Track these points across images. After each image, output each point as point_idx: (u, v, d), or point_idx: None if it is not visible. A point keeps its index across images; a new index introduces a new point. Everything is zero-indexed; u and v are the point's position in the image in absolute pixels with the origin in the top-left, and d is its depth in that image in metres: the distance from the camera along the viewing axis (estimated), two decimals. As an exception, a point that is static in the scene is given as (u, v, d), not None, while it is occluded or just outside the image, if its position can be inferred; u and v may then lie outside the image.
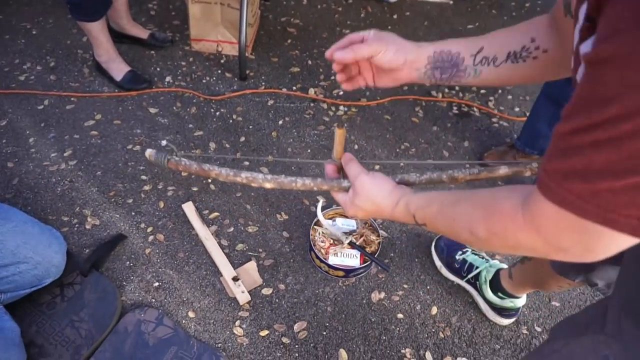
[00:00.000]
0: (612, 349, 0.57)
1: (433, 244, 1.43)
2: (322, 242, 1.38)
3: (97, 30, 1.69)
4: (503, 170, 0.70)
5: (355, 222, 1.44)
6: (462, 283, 1.36)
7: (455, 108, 1.94)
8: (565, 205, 0.40)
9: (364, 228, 1.43)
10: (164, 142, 0.81)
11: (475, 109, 1.95)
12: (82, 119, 1.71)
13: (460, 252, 1.37)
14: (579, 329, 0.64)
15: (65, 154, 1.59)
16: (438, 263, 1.40)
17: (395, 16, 2.44)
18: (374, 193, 0.68)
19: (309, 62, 2.07)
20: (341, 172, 0.78)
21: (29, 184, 1.49)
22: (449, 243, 1.40)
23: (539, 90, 1.59)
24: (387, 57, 0.67)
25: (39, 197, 1.46)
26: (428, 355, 1.23)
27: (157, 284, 1.30)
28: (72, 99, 1.78)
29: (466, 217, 0.54)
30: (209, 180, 1.55)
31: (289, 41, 2.17)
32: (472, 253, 1.36)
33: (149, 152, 0.78)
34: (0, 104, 1.72)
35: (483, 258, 1.35)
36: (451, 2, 2.61)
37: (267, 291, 1.31)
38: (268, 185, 0.74)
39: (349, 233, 1.40)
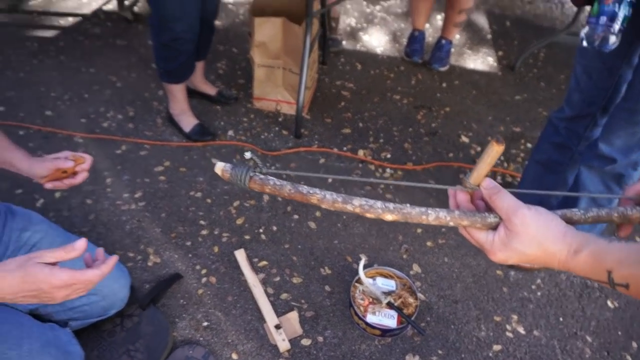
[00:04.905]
0: None
1: None
2: (361, 299, 1.45)
3: (177, 90, 1.92)
4: None
5: (394, 283, 1.50)
6: None
7: (499, 178, 2.00)
8: None
9: (402, 290, 1.48)
10: (247, 154, 0.63)
11: (519, 180, 2.00)
12: (153, 164, 1.90)
13: None
14: None
15: (136, 195, 1.77)
16: None
17: (444, 84, 2.57)
18: (542, 234, 0.55)
19: (360, 124, 2.21)
20: (479, 204, 0.65)
21: (103, 220, 1.67)
22: None
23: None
24: None
25: (110, 233, 1.63)
26: None
27: (206, 323, 1.40)
28: (146, 146, 1.99)
29: None
30: (261, 230, 1.68)
31: (343, 104, 2.34)
32: None
33: (220, 167, 0.61)
34: (86, 147, 1.95)
35: None
36: (499, 73, 2.72)
37: (306, 342, 1.38)
38: (389, 217, 0.59)
39: (388, 293, 1.46)
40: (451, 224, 0.60)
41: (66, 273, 0.69)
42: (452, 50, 2.74)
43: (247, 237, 1.65)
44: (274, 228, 1.69)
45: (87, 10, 2.95)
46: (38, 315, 1.18)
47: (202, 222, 1.69)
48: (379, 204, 0.59)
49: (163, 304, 1.44)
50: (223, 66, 2.53)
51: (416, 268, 1.62)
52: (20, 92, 2.22)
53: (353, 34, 2.92)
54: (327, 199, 0.60)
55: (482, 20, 3.24)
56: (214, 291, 1.49)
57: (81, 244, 0.72)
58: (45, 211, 1.67)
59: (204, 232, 1.66)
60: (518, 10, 3.43)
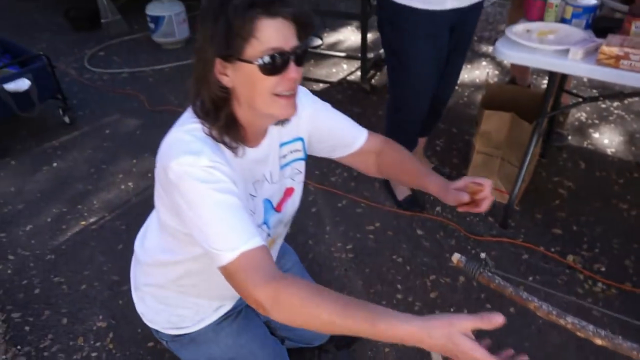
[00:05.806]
0: None
1: None
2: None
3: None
4: None
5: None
6: None
7: None
8: None
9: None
10: (483, 255, 0.77)
11: None
12: (365, 223, 2.18)
13: None
14: None
15: (347, 247, 2.06)
16: None
17: (689, 202, 2.25)
18: None
19: (574, 227, 2.11)
20: None
21: (318, 261, 2.00)
22: None
23: None
24: None
25: (322, 274, 1.93)
26: None
27: (386, 381, 1.55)
28: (362, 204, 2.29)
29: None
30: (452, 309, 1.76)
31: (557, 202, 2.27)
32: None
33: (457, 258, 0.78)
34: (315, 196, 2.36)
35: None
36: None
37: None
38: (598, 342, 0.64)
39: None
40: None
41: (482, 353, 0.69)
42: None
43: (437, 312, 1.75)
44: (465, 311, 1.75)
45: (335, 78, 3.54)
46: (268, 325, 1.50)
47: (398, 286, 1.87)
48: (591, 327, 0.65)
49: (354, 350, 1.64)
50: (441, 143, 2.73)
51: (617, 404, 1.46)
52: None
53: (581, 130, 2.80)
54: (543, 308, 0.69)
55: None
56: (398, 354, 1.62)
57: (499, 320, 0.69)
58: (278, 242, 2.08)
59: (399, 295, 1.82)
60: None
